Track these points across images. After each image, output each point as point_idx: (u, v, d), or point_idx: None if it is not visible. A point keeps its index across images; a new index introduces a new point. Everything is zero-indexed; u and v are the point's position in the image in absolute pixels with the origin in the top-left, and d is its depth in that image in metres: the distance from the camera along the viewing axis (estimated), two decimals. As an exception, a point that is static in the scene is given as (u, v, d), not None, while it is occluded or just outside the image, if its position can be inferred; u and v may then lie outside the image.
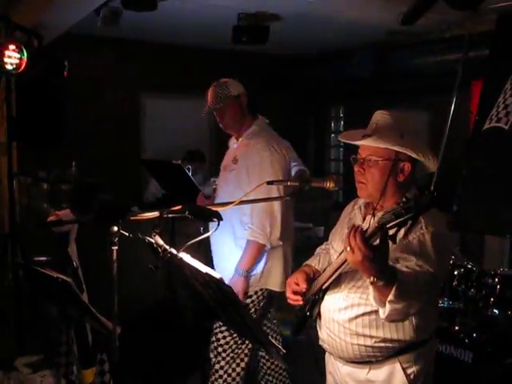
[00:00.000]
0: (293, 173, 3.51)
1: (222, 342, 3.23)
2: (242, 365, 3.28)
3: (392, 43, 6.48)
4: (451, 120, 5.35)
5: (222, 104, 3.27)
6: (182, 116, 7.30)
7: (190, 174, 4.42)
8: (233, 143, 3.46)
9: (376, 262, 1.82)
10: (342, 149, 8.08)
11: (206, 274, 1.78)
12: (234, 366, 3.26)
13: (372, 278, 1.86)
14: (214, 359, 3.27)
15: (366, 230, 1.84)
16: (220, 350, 3.23)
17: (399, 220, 1.74)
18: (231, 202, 2.20)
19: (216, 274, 1.78)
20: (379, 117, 2.24)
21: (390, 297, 1.88)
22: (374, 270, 1.84)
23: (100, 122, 6.77)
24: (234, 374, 3.26)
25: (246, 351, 3.26)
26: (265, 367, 3.55)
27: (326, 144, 8.09)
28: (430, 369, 2.30)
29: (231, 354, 3.24)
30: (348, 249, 1.83)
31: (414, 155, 2.15)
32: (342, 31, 6.11)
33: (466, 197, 4.98)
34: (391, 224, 1.77)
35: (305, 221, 5.29)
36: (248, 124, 3.35)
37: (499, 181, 4.88)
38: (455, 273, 3.79)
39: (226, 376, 3.26)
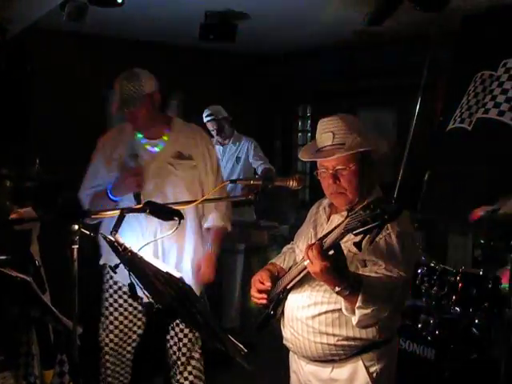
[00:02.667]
0: (259, 171, 3.52)
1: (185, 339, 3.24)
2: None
3: (359, 43, 6.53)
4: (416, 119, 5.41)
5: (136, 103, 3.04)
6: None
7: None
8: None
9: (335, 271, 1.89)
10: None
11: (167, 273, 1.76)
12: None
13: (336, 288, 1.92)
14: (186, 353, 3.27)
15: (325, 242, 1.89)
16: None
17: (365, 228, 1.75)
18: (194, 201, 2.18)
19: (176, 273, 1.76)
20: (331, 125, 2.20)
21: (358, 303, 1.94)
22: (334, 279, 1.91)
23: (65, 118, 6.66)
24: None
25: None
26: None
27: (293, 143, 8.12)
28: (392, 367, 2.32)
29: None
30: (308, 261, 1.90)
31: (375, 148, 2.20)
32: (309, 30, 6.12)
33: (429, 196, 5.05)
34: (357, 231, 1.78)
35: (271, 219, 5.29)
36: (167, 119, 3.28)
37: (462, 180, 4.97)
38: (418, 271, 3.84)
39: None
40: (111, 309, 3.24)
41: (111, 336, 3.25)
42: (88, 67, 6.89)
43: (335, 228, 1.91)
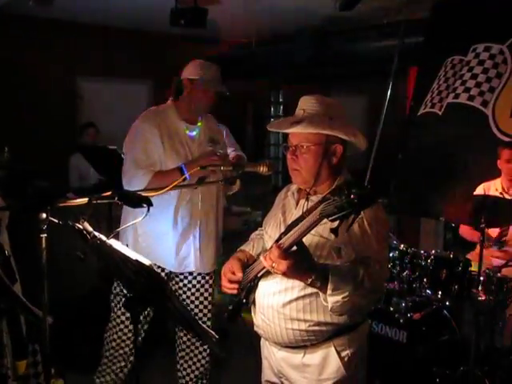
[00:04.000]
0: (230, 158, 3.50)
1: None
2: None
3: (330, 28, 6.52)
4: (388, 105, 5.44)
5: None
6: (120, 100, 7.17)
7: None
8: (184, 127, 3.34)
9: (300, 267, 1.91)
10: (281, 134, 8.10)
11: (136, 260, 1.75)
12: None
13: (308, 281, 1.94)
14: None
15: (283, 243, 1.90)
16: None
17: (342, 213, 1.73)
18: (163, 188, 2.16)
19: (146, 261, 1.75)
20: (306, 103, 2.24)
21: (328, 291, 1.96)
22: (303, 274, 1.93)
23: (35, 106, 6.56)
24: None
25: None
26: (183, 346, 3.46)
27: (266, 129, 8.07)
28: (363, 351, 2.33)
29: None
30: (273, 264, 1.91)
31: (344, 137, 2.17)
32: (280, 16, 6.10)
33: (401, 181, 5.10)
34: (334, 217, 1.75)
35: (243, 205, 5.28)
36: None
37: (433, 165, 5.02)
38: (390, 255, 3.88)
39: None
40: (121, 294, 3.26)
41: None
42: (58, 54, 6.79)
43: (301, 218, 1.91)
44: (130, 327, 3.18)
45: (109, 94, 7.22)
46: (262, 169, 2.33)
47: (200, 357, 3.40)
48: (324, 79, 6.99)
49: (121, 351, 3.29)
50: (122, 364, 3.31)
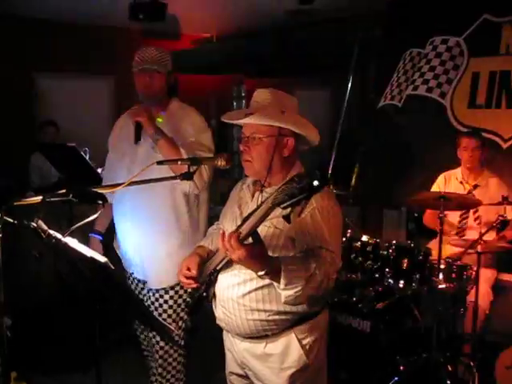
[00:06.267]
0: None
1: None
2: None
3: (292, 22, 6.54)
4: (349, 98, 5.49)
5: (159, 69, 2.95)
6: (81, 97, 7.07)
7: (87, 157, 4.28)
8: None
9: (255, 257, 1.90)
10: (245, 128, 8.06)
11: (91, 258, 1.73)
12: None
13: (259, 273, 1.95)
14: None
15: (240, 232, 1.89)
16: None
17: (293, 200, 1.75)
18: (120, 184, 2.13)
19: (101, 258, 1.73)
20: (259, 95, 2.27)
21: (281, 286, 1.97)
22: (255, 265, 1.94)
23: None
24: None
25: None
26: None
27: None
28: (324, 338, 2.36)
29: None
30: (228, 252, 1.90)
31: (296, 130, 2.19)
32: (241, 10, 6.09)
33: (363, 172, 5.16)
34: (285, 204, 1.77)
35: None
36: (167, 101, 3.10)
37: (394, 156, 5.10)
38: (353, 246, 3.92)
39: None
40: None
41: None
42: (17, 51, 6.66)
43: (256, 210, 1.92)
44: None
45: (69, 91, 7.11)
46: (220, 162, 2.31)
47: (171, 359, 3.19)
48: (287, 73, 7.00)
49: None
50: None
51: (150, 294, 3.02)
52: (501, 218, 3.76)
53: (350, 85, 5.38)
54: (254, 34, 6.94)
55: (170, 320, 2.98)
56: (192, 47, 7.99)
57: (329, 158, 5.14)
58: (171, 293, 3.00)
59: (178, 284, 2.94)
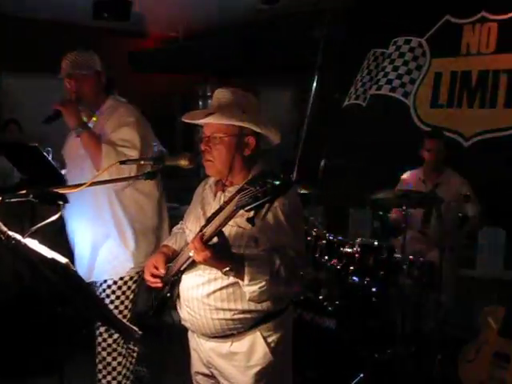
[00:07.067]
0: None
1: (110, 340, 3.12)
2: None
3: (258, 21, 6.55)
4: (314, 97, 5.52)
5: (84, 72, 2.97)
6: (46, 96, 6.94)
7: (50, 157, 4.20)
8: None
9: (219, 257, 1.94)
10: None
11: (52, 259, 1.71)
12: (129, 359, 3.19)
13: (222, 270, 1.97)
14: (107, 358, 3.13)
15: (204, 233, 1.92)
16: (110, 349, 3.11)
17: (257, 203, 1.76)
18: (82, 184, 2.11)
19: (62, 259, 1.71)
20: (220, 94, 2.27)
21: (245, 281, 2.00)
22: (219, 263, 1.96)
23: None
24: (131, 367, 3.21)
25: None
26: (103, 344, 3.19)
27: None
28: (289, 336, 2.38)
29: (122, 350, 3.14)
30: (192, 252, 1.93)
31: (257, 129, 2.21)
32: (206, 9, 6.08)
33: (328, 171, 5.19)
34: (249, 207, 1.78)
35: (171, 200, 5.21)
36: (103, 100, 3.09)
37: (358, 155, 5.15)
38: (318, 244, 3.95)
39: (124, 371, 3.17)
40: None
41: None
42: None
43: (220, 210, 1.93)
44: None
45: (33, 90, 6.98)
46: (183, 162, 2.30)
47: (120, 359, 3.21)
48: (252, 72, 7.01)
49: None
50: None
51: (101, 288, 3.07)
52: (461, 215, 3.85)
53: (314, 84, 5.40)
54: (220, 34, 6.93)
55: (116, 311, 3.02)
56: (158, 46, 7.94)
57: (294, 158, 5.15)
58: (120, 283, 3.07)
59: (130, 276, 3.07)
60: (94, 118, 3.03)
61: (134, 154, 2.90)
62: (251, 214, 1.81)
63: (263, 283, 2.00)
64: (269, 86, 6.84)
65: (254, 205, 1.76)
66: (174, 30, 7.27)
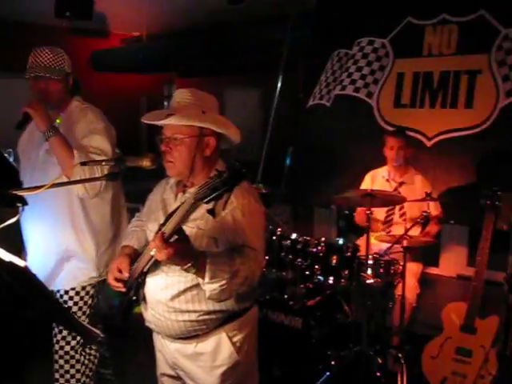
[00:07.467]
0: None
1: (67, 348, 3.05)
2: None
3: (223, 21, 6.54)
4: (279, 97, 5.55)
5: (55, 76, 2.88)
6: (2, 95, 6.82)
7: (11, 158, 4.12)
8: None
9: (181, 254, 1.93)
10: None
11: (10, 262, 1.67)
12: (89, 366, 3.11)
13: (183, 267, 1.97)
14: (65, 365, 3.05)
15: (165, 231, 1.92)
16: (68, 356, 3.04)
17: (215, 194, 1.78)
18: (41, 186, 2.07)
19: (21, 262, 1.67)
20: (180, 95, 2.27)
21: (206, 279, 2.00)
22: (181, 261, 1.96)
23: None
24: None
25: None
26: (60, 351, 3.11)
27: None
28: (254, 335, 2.39)
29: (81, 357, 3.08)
30: (154, 250, 1.92)
31: (217, 129, 2.21)
32: (171, 9, 6.04)
33: (293, 171, 5.22)
34: (208, 198, 1.80)
35: (134, 201, 5.15)
36: (68, 102, 3.03)
37: (322, 155, 5.18)
38: (283, 244, 3.96)
39: (84, 378, 3.09)
40: None
41: None
42: None
43: (178, 208, 1.93)
44: None
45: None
46: (145, 163, 2.29)
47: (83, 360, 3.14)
48: (217, 72, 7.00)
49: None
50: None
51: (58, 294, 3.00)
52: (424, 213, 3.90)
53: (279, 84, 5.43)
54: (185, 33, 6.90)
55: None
56: (121, 46, 7.86)
57: (259, 157, 5.17)
58: (78, 288, 3.00)
59: (89, 283, 3.02)
60: (58, 120, 2.96)
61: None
62: (211, 206, 1.84)
63: (224, 281, 2.01)
64: (235, 86, 6.85)
65: (213, 195, 1.78)
66: (138, 29, 7.20)
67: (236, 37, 6.55)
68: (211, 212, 1.86)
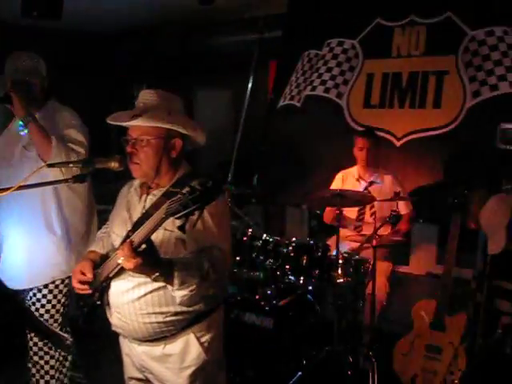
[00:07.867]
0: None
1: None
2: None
3: (194, 22, 6.51)
4: (250, 98, 5.55)
5: (33, 80, 3.00)
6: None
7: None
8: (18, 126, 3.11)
9: (148, 264, 1.92)
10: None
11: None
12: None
13: (152, 276, 1.97)
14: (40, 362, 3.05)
15: (133, 240, 1.89)
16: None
17: (187, 211, 1.76)
18: (8, 188, 2.03)
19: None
20: (146, 96, 2.26)
21: (175, 286, 2.00)
22: (149, 270, 1.95)
23: None
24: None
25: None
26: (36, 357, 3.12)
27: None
28: (221, 335, 2.39)
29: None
30: (121, 258, 1.90)
31: (183, 131, 2.20)
32: (140, 10, 5.99)
33: (264, 172, 5.23)
34: (179, 215, 1.77)
35: (103, 203, 5.09)
36: (42, 104, 3.10)
37: (293, 155, 5.20)
38: (254, 245, 3.95)
39: (58, 374, 3.11)
40: None
41: None
42: None
43: (148, 216, 1.91)
44: None
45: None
46: (113, 164, 2.27)
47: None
48: (188, 73, 6.97)
49: None
50: None
51: (31, 292, 3.00)
52: (393, 212, 3.93)
53: (250, 85, 5.43)
54: (155, 34, 6.85)
55: (47, 316, 2.95)
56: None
57: (230, 158, 5.16)
58: (51, 287, 3.03)
59: (61, 279, 3.05)
60: None
61: (81, 151, 2.96)
62: (181, 221, 1.82)
63: (193, 286, 2.01)
64: (205, 86, 6.82)
65: (184, 212, 1.76)
66: (107, 29, 7.11)
67: (206, 37, 6.53)
68: (181, 228, 1.84)
